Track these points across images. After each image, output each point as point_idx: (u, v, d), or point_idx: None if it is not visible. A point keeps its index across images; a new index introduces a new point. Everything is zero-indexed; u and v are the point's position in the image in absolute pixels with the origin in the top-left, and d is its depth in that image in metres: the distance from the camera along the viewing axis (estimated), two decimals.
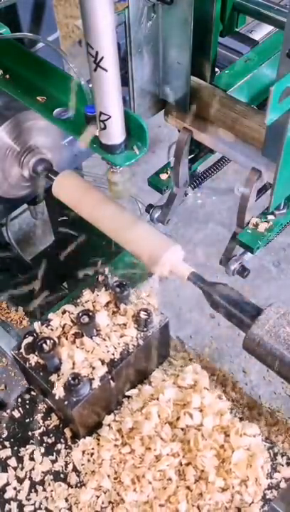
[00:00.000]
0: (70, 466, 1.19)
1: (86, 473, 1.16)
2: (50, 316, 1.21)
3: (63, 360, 1.16)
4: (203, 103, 1.26)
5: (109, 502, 1.13)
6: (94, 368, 1.15)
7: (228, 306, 1.20)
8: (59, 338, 1.18)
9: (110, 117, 1.11)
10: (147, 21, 1.14)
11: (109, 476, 1.14)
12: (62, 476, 1.18)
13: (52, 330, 1.19)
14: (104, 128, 1.13)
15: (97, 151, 1.20)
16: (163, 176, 1.47)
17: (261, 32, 1.48)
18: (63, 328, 1.20)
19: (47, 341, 1.14)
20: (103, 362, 1.16)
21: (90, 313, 1.16)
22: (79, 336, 1.19)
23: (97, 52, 1.01)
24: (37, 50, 1.62)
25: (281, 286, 2.61)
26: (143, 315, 1.18)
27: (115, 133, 1.15)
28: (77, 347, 1.17)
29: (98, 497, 1.14)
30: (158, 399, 1.18)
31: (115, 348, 1.17)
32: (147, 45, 1.17)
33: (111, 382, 1.17)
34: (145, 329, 1.19)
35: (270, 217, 1.32)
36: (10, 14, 1.54)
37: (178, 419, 1.17)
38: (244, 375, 2.31)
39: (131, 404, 1.23)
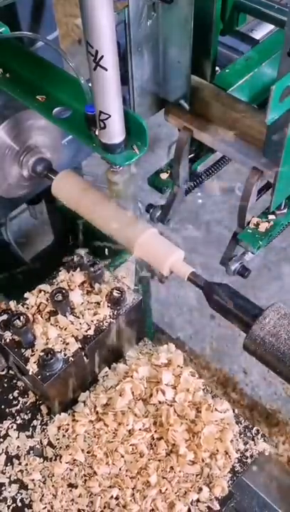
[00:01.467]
0: (46, 441, 1.24)
1: (61, 448, 1.21)
2: (26, 295, 1.26)
3: (37, 336, 1.20)
4: (203, 102, 1.26)
5: (83, 475, 1.17)
6: (67, 344, 1.19)
7: (228, 306, 1.19)
8: (34, 315, 1.22)
9: (110, 116, 1.10)
10: (147, 20, 1.13)
11: (83, 450, 1.19)
12: (37, 450, 1.23)
13: (27, 308, 1.24)
14: (104, 127, 1.13)
15: (97, 151, 1.20)
16: (163, 176, 1.47)
17: (262, 31, 1.47)
18: (38, 306, 1.25)
19: (21, 317, 1.18)
20: (76, 339, 1.20)
21: (64, 292, 1.20)
22: (54, 314, 1.23)
23: (96, 51, 1.00)
24: (36, 49, 1.61)
25: (281, 286, 2.61)
26: (116, 293, 1.23)
27: (115, 132, 1.14)
28: (52, 324, 1.21)
29: (72, 470, 1.18)
30: (132, 377, 1.23)
31: (88, 326, 1.21)
32: (147, 44, 1.17)
33: (85, 358, 1.21)
34: (118, 307, 1.23)
35: (271, 217, 1.31)
36: (9, 13, 1.53)
37: (151, 395, 1.22)
38: (245, 376, 2.30)
39: (106, 382, 1.28)
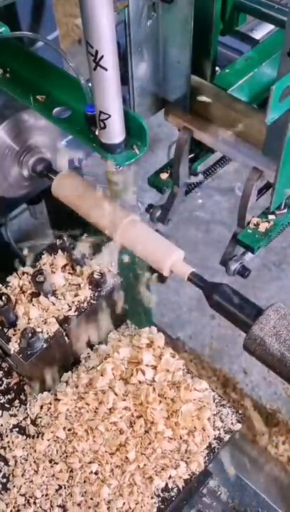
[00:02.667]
0: (28, 420, 1.27)
1: (43, 426, 1.25)
2: (9, 278, 1.30)
3: (19, 316, 1.23)
4: (203, 102, 1.26)
5: (64, 451, 1.21)
6: (48, 324, 1.22)
7: (228, 306, 1.19)
8: (17, 297, 1.26)
9: (110, 116, 1.10)
10: (147, 20, 1.13)
11: (64, 428, 1.22)
12: (20, 428, 1.27)
13: (11, 290, 1.27)
14: (104, 127, 1.13)
15: (97, 151, 1.20)
16: (163, 176, 1.47)
17: (262, 31, 1.47)
18: (21, 288, 1.28)
19: (2, 297, 1.22)
20: (58, 319, 1.23)
21: (45, 273, 1.24)
22: (36, 295, 1.26)
23: (96, 51, 1.00)
24: (36, 49, 1.61)
25: (281, 286, 2.61)
26: (96, 275, 1.26)
27: (115, 132, 1.14)
28: (33, 305, 1.24)
29: (53, 447, 1.22)
30: (113, 357, 1.27)
31: (70, 307, 1.24)
32: (147, 44, 1.17)
33: (66, 338, 1.24)
34: (99, 289, 1.26)
35: (271, 217, 1.31)
36: (9, 13, 1.53)
37: (131, 375, 1.25)
38: (245, 376, 2.30)
39: (88, 362, 1.31)
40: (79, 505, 1.16)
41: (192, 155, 1.41)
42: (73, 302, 1.25)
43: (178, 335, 2.38)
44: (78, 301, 1.25)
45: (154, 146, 2.82)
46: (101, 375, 1.25)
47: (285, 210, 1.32)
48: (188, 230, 2.74)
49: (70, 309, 1.25)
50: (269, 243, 1.33)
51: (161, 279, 1.62)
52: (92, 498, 1.16)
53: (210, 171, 1.51)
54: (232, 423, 1.26)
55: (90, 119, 1.18)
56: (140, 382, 1.25)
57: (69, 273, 1.30)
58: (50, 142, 1.54)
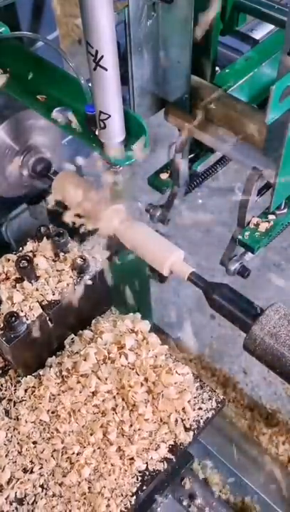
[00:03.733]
0: (12, 403, 1.30)
1: (27, 408, 1.28)
2: None
3: (3, 301, 1.26)
4: (203, 102, 1.26)
5: (47, 433, 1.25)
6: (32, 309, 1.25)
7: (228, 306, 1.19)
8: (1, 282, 1.29)
9: (110, 116, 1.10)
10: (147, 20, 1.13)
11: (48, 410, 1.26)
12: (5, 411, 1.30)
13: None
14: (104, 127, 1.13)
15: (97, 151, 1.20)
16: (163, 176, 1.47)
17: (262, 31, 1.47)
18: (6, 274, 1.31)
19: None
20: (41, 304, 1.26)
21: (28, 258, 1.27)
22: (21, 281, 1.29)
23: (96, 51, 1.00)
24: (36, 49, 1.61)
25: (281, 286, 2.61)
26: (79, 261, 1.28)
27: (115, 132, 1.14)
28: (17, 290, 1.27)
29: (37, 429, 1.26)
30: (96, 342, 1.31)
31: (53, 292, 1.27)
32: (147, 44, 1.17)
33: (49, 323, 1.27)
34: (82, 275, 1.29)
35: (271, 216, 1.31)
36: (9, 13, 1.53)
37: (114, 360, 1.29)
38: (245, 376, 2.30)
39: (72, 347, 1.35)
40: (60, 485, 1.19)
41: (192, 155, 1.41)
42: (56, 288, 1.28)
43: (178, 335, 2.38)
44: (62, 287, 1.28)
45: (154, 146, 2.82)
46: (85, 360, 1.28)
47: (285, 210, 1.31)
48: (188, 230, 2.74)
49: (54, 294, 1.27)
50: (269, 243, 1.33)
51: (161, 279, 1.63)
52: (72, 479, 1.19)
53: (210, 171, 1.51)
54: (212, 406, 1.30)
55: (90, 119, 1.18)
56: (122, 366, 1.28)
57: (53, 260, 1.32)
58: (50, 142, 1.54)
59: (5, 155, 1.47)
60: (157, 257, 1.28)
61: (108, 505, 1.16)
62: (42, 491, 1.19)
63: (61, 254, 1.32)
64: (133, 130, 1.17)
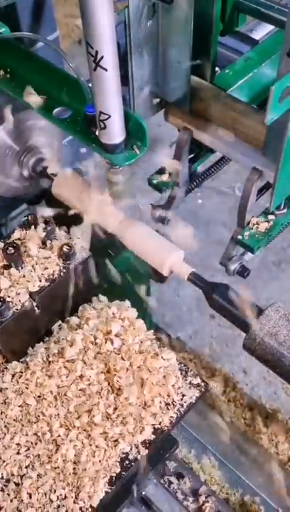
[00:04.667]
0: None
1: (14, 392, 1.30)
2: None
3: None
4: (203, 102, 1.26)
5: (34, 416, 1.27)
6: (18, 295, 1.28)
7: (228, 306, 1.20)
8: None
9: (110, 117, 1.10)
10: (147, 21, 1.13)
11: (35, 395, 1.28)
12: None
13: None
14: (104, 127, 1.13)
15: (97, 151, 1.20)
16: (163, 176, 1.47)
17: (262, 31, 1.48)
18: None
19: None
20: (28, 290, 1.29)
21: (15, 245, 1.29)
22: (8, 267, 1.31)
23: (96, 52, 1.00)
24: (36, 49, 1.62)
25: (281, 286, 2.61)
26: (65, 249, 1.31)
27: (115, 132, 1.14)
28: (4, 276, 1.30)
29: (24, 412, 1.28)
30: (83, 328, 1.33)
31: (40, 279, 1.30)
32: (147, 45, 1.17)
33: (36, 309, 1.30)
34: (68, 262, 1.31)
35: (270, 217, 1.31)
36: (9, 13, 1.53)
37: (101, 345, 1.30)
38: (245, 376, 2.30)
39: (59, 333, 1.37)
40: (46, 466, 1.21)
41: (192, 155, 1.41)
42: (43, 274, 1.30)
43: (178, 335, 2.38)
44: (48, 274, 1.31)
45: (154, 146, 2.82)
46: (71, 345, 1.31)
47: (285, 210, 1.32)
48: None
49: (40, 281, 1.30)
50: (268, 243, 1.33)
51: (161, 279, 1.63)
52: (58, 460, 1.21)
53: (210, 171, 1.51)
54: (195, 391, 1.32)
55: (90, 119, 1.18)
56: (108, 351, 1.31)
57: (40, 247, 1.35)
58: (50, 142, 1.54)
59: (5, 155, 1.47)
60: (157, 257, 1.28)
61: (92, 486, 1.19)
62: (28, 472, 1.22)
63: (48, 241, 1.35)
64: (133, 130, 1.17)
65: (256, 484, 1.82)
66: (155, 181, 1.47)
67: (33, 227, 1.37)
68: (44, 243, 1.36)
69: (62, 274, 1.31)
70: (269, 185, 1.24)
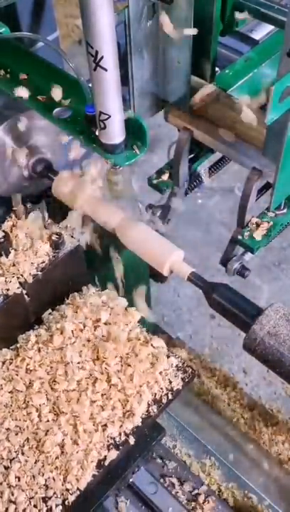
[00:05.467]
0: None
1: (4, 379, 1.32)
2: None
3: None
4: (203, 102, 1.26)
5: (23, 402, 1.29)
6: (8, 283, 1.29)
7: (228, 306, 1.20)
8: None
9: (110, 117, 1.10)
10: (147, 21, 1.13)
11: (24, 382, 1.30)
12: None
13: None
14: (104, 128, 1.13)
15: (97, 151, 1.20)
16: (163, 176, 1.47)
17: (262, 31, 1.48)
18: None
19: None
20: (18, 278, 1.30)
21: (5, 233, 1.31)
22: None
23: (96, 52, 1.00)
24: (36, 49, 1.62)
25: (281, 286, 2.61)
26: (55, 238, 1.33)
27: (115, 133, 1.14)
28: None
29: (14, 399, 1.29)
30: (72, 316, 1.35)
31: (30, 267, 1.31)
32: (147, 45, 1.17)
33: (26, 297, 1.32)
34: (57, 251, 1.33)
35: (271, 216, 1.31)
36: (9, 13, 1.53)
37: (90, 333, 1.34)
38: (245, 376, 2.30)
39: (49, 321, 1.39)
40: (35, 450, 1.23)
41: (192, 155, 1.41)
42: (33, 263, 1.32)
43: (177, 335, 2.38)
44: (38, 262, 1.32)
45: (154, 146, 2.82)
46: (61, 333, 1.33)
47: (285, 210, 1.32)
48: (188, 230, 2.74)
49: (30, 269, 1.31)
50: (268, 243, 1.33)
51: (161, 279, 1.64)
52: (46, 444, 1.22)
53: (210, 171, 1.51)
54: (182, 378, 1.33)
55: (90, 119, 1.18)
56: (97, 339, 1.33)
57: (29, 236, 1.36)
58: (50, 142, 1.55)
59: (5, 155, 1.47)
60: (157, 257, 1.28)
61: (80, 469, 1.21)
62: (17, 456, 1.23)
63: (38, 231, 1.36)
64: (133, 130, 1.17)
65: (256, 484, 1.82)
66: (155, 181, 1.47)
67: (23, 216, 1.39)
68: (34, 232, 1.37)
69: (51, 262, 1.33)
70: (269, 185, 1.24)
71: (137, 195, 1.37)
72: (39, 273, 1.31)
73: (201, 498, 1.59)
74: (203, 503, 1.58)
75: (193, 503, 1.58)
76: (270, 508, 1.76)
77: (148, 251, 1.31)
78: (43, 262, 1.32)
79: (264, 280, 2.60)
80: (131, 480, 1.49)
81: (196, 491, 1.60)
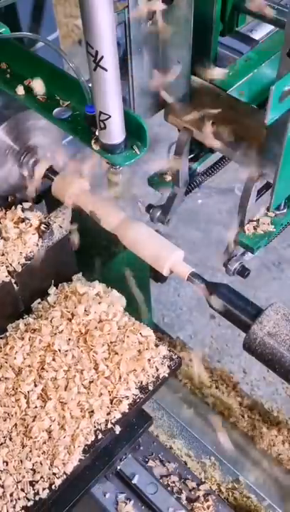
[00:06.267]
0: None
1: None
2: None
3: None
4: (203, 102, 1.26)
5: (12, 389, 1.31)
6: None
7: (228, 306, 1.20)
8: None
9: (110, 117, 1.10)
10: (147, 21, 1.13)
11: (13, 369, 1.33)
12: None
13: None
14: (104, 128, 1.13)
15: (97, 151, 1.20)
16: (163, 176, 1.47)
17: (262, 31, 1.47)
18: None
19: None
20: (7, 267, 1.33)
21: None
22: None
23: (96, 52, 1.00)
24: (36, 49, 1.62)
25: (281, 286, 2.61)
26: (43, 227, 1.35)
27: (115, 133, 1.14)
28: None
29: (3, 386, 1.32)
30: (60, 305, 1.38)
31: (18, 256, 1.33)
32: (147, 45, 1.17)
33: (15, 286, 1.34)
34: (45, 240, 1.35)
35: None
36: (9, 13, 1.53)
37: (78, 321, 1.36)
38: (245, 376, 2.30)
39: (38, 310, 1.42)
40: (23, 435, 1.26)
41: (192, 155, 1.41)
42: (21, 253, 1.33)
43: (177, 335, 2.39)
44: (26, 252, 1.34)
45: (154, 146, 2.81)
46: (50, 322, 1.36)
47: (285, 210, 1.32)
48: (188, 230, 2.74)
49: (19, 259, 1.33)
50: (268, 243, 1.33)
51: (161, 279, 1.64)
52: (34, 429, 1.25)
53: (210, 171, 1.51)
54: (169, 365, 1.35)
55: (90, 119, 1.18)
56: (86, 327, 1.35)
57: (18, 226, 1.38)
58: (50, 142, 1.54)
59: (5, 155, 1.47)
60: (157, 257, 1.28)
61: (66, 454, 1.23)
62: (5, 442, 1.26)
63: (26, 220, 1.38)
64: (133, 130, 1.17)
65: (256, 484, 1.83)
66: (155, 181, 1.47)
67: (13, 207, 1.40)
68: (23, 222, 1.39)
69: (40, 252, 1.35)
70: (269, 185, 1.24)
71: (137, 195, 1.37)
72: (28, 262, 1.33)
73: (201, 498, 1.59)
74: (203, 503, 1.58)
75: (193, 503, 1.58)
76: (270, 508, 1.76)
77: (148, 251, 1.31)
78: (32, 252, 1.34)
79: (264, 280, 2.60)
80: (118, 468, 1.53)
81: (196, 491, 1.60)
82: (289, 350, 1.12)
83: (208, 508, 1.57)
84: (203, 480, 1.66)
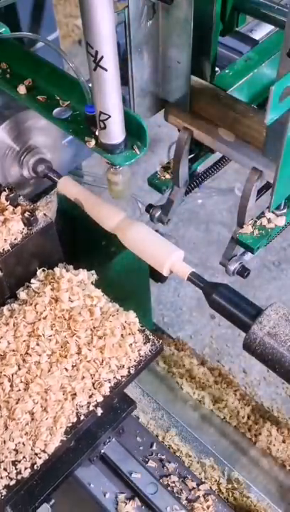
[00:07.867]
0: None
1: None
2: None
3: None
4: (203, 102, 1.26)
5: None
6: None
7: (228, 306, 1.20)
8: None
9: (110, 117, 1.11)
10: (147, 21, 1.13)
11: None
12: None
13: None
14: (104, 127, 1.13)
15: (97, 151, 1.20)
16: (163, 176, 1.47)
17: (262, 31, 1.48)
18: None
19: None
20: None
21: None
22: None
23: (96, 52, 1.00)
24: (36, 49, 1.62)
25: (281, 286, 2.61)
26: (27, 215, 1.35)
27: (115, 132, 1.14)
28: None
29: None
30: (44, 292, 1.39)
31: (3, 243, 1.34)
32: (147, 45, 1.17)
33: (0, 272, 1.35)
34: (30, 227, 1.35)
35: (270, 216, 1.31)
36: (9, 13, 1.53)
37: (62, 307, 1.37)
38: (245, 376, 2.30)
39: (22, 296, 1.41)
40: (6, 418, 1.27)
41: (192, 155, 1.41)
42: (6, 240, 1.34)
43: (177, 335, 2.38)
44: (11, 239, 1.35)
45: (154, 146, 2.82)
46: (34, 308, 1.36)
47: (285, 210, 1.32)
48: (188, 230, 2.74)
49: (4, 245, 1.34)
50: (268, 243, 1.33)
51: (161, 279, 1.64)
52: (17, 411, 1.26)
53: (210, 170, 1.51)
54: (150, 350, 1.36)
55: (90, 119, 1.18)
56: (69, 313, 1.36)
57: (3, 213, 1.37)
58: (50, 142, 1.55)
59: (5, 155, 1.47)
60: (157, 257, 1.28)
61: (48, 435, 1.25)
62: None
63: (11, 208, 1.37)
64: (133, 130, 1.17)
65: (256, 484, 1.82)
66: (155, 181, 1.47)
67: None
68: (7, 209, 1.39)
69: (24, 239, 1.36)
70: (269, 185, 1.24)
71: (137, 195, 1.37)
72: (12, 249, 1.34)
73: (201, 498, 1.59)
74: (203, 503, 1.58)
75: (193, 503, 1.58)
76: (270, 508, 1.76)
77: (148, 251, 1.31)
78: (16, 239, 1.35)
79: (264, 280, 2.60)
80: (102, 451, 1.54)
81: (196, 491, 1.60)
82: (289, 350, 1.12)
83: (208, 508, 1.57)
84: (203, 480, 1.66)
